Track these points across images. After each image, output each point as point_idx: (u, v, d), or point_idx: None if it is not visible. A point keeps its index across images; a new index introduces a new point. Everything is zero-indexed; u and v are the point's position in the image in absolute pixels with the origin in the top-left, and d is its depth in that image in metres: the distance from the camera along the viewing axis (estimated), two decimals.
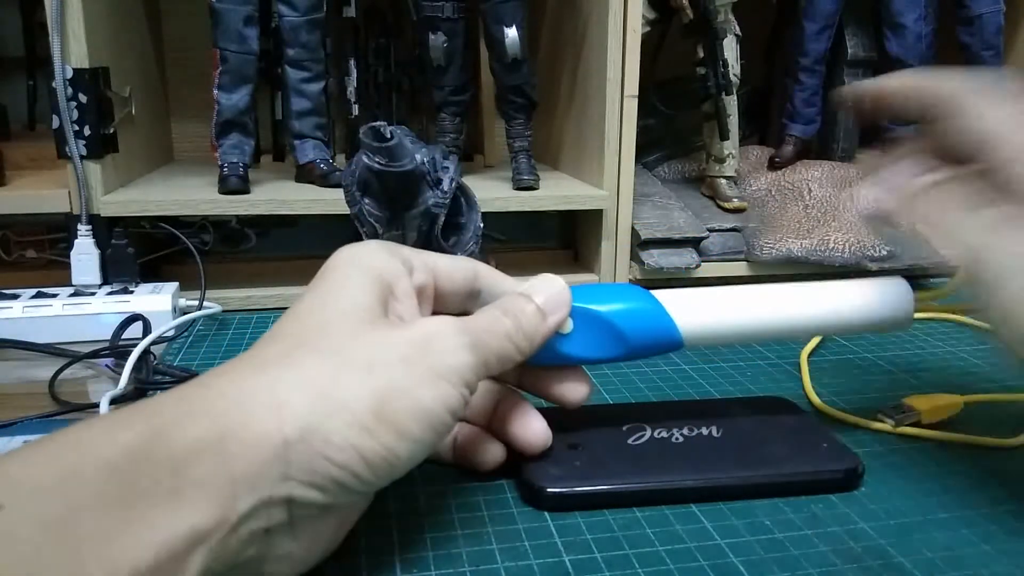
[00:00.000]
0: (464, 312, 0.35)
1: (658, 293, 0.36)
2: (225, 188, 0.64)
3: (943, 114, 0.33)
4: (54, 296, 0.56)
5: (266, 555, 0.25)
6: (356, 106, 0.80)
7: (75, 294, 0.57)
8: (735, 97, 0.77)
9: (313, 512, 0.25)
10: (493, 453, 0.35)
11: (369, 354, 0.27)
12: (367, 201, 0.44)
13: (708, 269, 0.71)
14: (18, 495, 0.21)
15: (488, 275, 0.35)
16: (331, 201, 0.64)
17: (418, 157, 0.42)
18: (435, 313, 0.34)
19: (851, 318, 0.36)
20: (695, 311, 0.36)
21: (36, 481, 0.21)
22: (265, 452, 0.24)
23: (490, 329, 0.30)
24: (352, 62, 0.80)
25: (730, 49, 0.75)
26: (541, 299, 0.32)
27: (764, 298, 0.36)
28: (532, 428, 0.35)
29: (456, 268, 0.34)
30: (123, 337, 0.52)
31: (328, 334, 0.27)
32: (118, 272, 0.61)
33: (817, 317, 0.36)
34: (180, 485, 0.22)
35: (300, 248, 0.74)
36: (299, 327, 0.28)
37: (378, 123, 0.41)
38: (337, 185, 0.66)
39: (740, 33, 0.76)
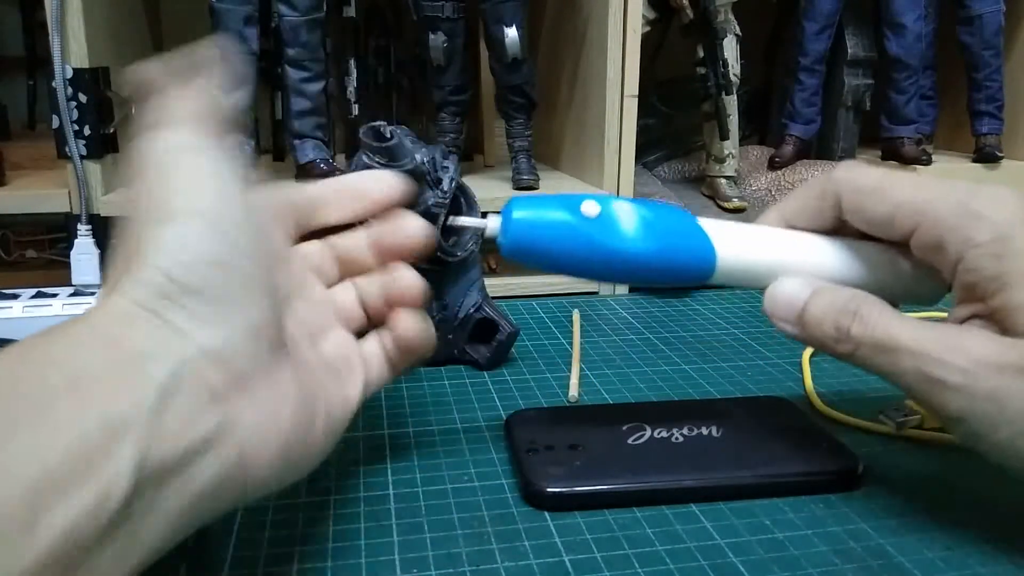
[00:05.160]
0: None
1: (699, 219, 0.34)
2: None
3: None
4: (54, 296, 0.56)
5: (224, 434, 0.23)
6: (356, 106, 0.80)
7: (75, 294, 0.57)
8: (735, 97, 0.77)
9: (246, 349, 0.24)
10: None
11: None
12: None
13: None
14: None
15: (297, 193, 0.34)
16: None
17: (418, 157, 0.42)
18: None
19: (886, 279, 0.34)
20: (734, 240, 0.34)
21: None
22: (148, 294, 0.23)
23: None
24: (352, 62, 0.80)
25: (730, 49, 0.75)
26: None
27: (802, 244, 0.35)
28: (407, 226, 0.33)
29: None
30: None
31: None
32: None
33: (852, 271, 0.34)
34: (72, 376, 0.21)
35: None
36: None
37: (378, 123, 0.41)
38: None
39: (740, 33, 0.76)
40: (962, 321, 0.31)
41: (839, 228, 0.34)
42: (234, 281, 0.25)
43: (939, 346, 0.28)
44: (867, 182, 0.32)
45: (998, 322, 0.29)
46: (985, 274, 0.29)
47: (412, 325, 0.33)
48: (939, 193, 0.30)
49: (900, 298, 0.35)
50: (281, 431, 0.25)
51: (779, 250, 0.34)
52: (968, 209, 0.29)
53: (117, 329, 0.22)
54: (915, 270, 0.34)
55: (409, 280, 0.33)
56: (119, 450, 0.20)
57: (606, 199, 0.33)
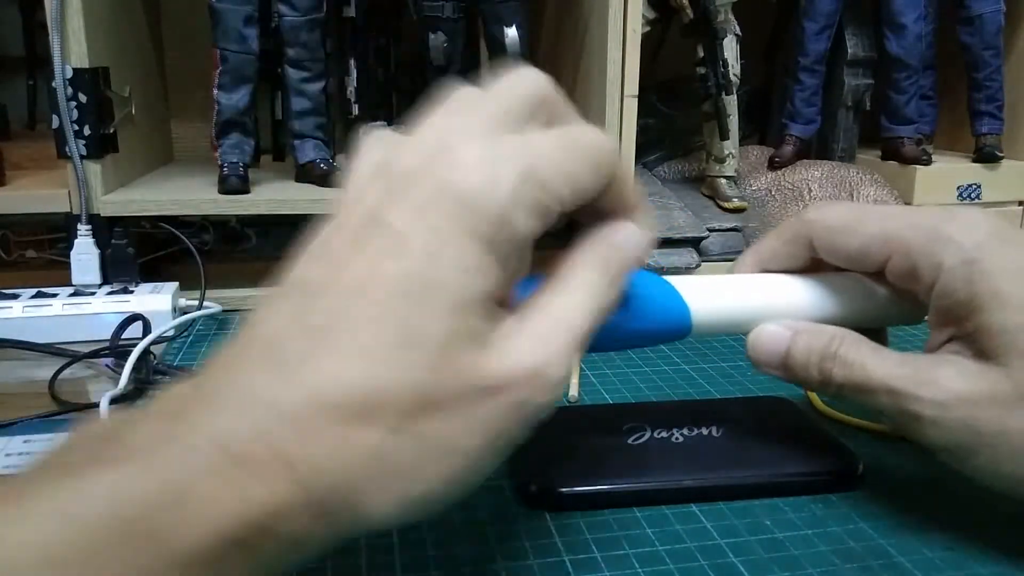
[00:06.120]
0: None
1: (669, 278, 0.35)
2: (225, 188, 0.64)
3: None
4: (54, 296, 0.56)
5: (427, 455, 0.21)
6: (356, 106, 0.80)
7: (75, 294, 0.57)
8: (735, 97, 0.77)
9: None
10: None
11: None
12: None
13: (708, 269, 0.71)
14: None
15: None
16: (331, 201, 0.64)
17: None
18: None
19: (863, 308, 0.35)
20: (706, 295, 0.34)
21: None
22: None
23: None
24: (352, 62, 0.79)
25: (730, 49, 0.75)
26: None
27: (775, 287, 0.35)
28: None
29: None
30: (123, 337, 0.52)
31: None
32: (118, 272, 0.61)
33: (827, 307, 0.35)
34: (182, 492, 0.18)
35: None
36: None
37: (378, 123, 0.42)
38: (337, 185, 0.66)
39: (740, 33, 0.76)
40: (940, 345, 0.31)
41: (814, 267, 0.35)
42: None
43: (912, 382, 0.29)
44: (837, 220, 0.33)
45: (973, 344, 0.29)
46: (957, 297, 0.29)
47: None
48: (910, 221, 0.31)
49: (883, 322, 0.36)
50: None
51: (755, 297, 0.35)
52: (939, 234, 0.30)
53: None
54: (893, 295, 0.34)
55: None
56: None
57: None
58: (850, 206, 0.34)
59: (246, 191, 0.65)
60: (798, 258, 0.35)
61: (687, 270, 0.70)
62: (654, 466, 0.35)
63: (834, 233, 0.33)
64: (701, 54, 0.75)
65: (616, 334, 0.32)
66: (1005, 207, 0.87)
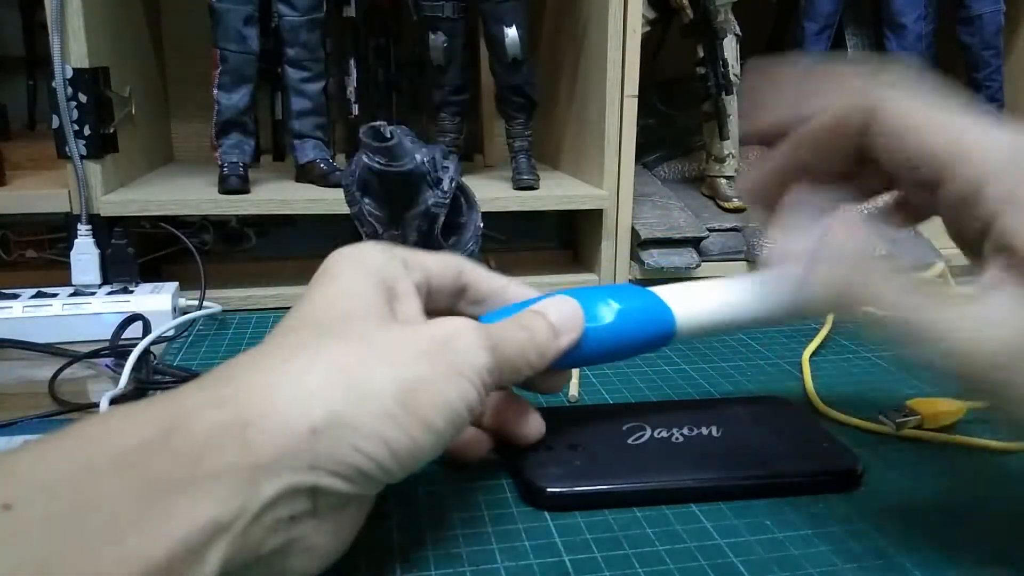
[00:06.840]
0: (451, 310, 0.35)
1: (653, 288, 0.36)
2: (225, 188, 0.64)
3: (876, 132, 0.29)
4: (54, 296, 0.56)
5: (290, 547, 0.24)
6: (356, 106, 0.80)
7: (75, 294, 0.57)
8: (735, 97, 0.77)
9: (337, 502, 0.25)
10: (482, 445, 0.35)
11: (393, 348, 0.27)
12: (367, 201, 0.44)
13: (708, 269, 0.71)
14: (28, 493, 0.20)
15: (472, 272, 0.35)
16: (331, 201, 0.64)
17: (418, 157, 0.42)
18: (427, 311, 0.34)
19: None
20: (689, 299, 0.36)
21: (47, 478, 0.21)
22: (290, 439, 0.23)
23: (507, 337, 0.31)
24: (352, 62, 0.80)
25: (730, 49, 0.75)
26: (555, 318, 0.33)
27: (755, 287, 0.36)
28: (530, 423, 0.36)
29: (445, 267, 0.34)
30: (123, 337, 0.52)
31: (350, 326, 0.28)
32: (118, 272, 0.61)
33: (773, 303, 0.36)
34: (199, 475, 0.22)
35: (300, 248, 0.74)
36: (319, 318, 0.28)
37: (378, 123, 0.42)
38: (337, 185, 0.66)
39: (740, 33, 0.76)
40: (992, 281, 0.27)
41: (855, 161, 0.32)
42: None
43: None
44: (910, 115, 0.29)
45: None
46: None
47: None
48: (986, 141, 0.27)
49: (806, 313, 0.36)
50: (337, 548, 0.27)
51: (731, 297, 0.36)
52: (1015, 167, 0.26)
53: (260, 434, 0.23)
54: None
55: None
56: (211, 554, 0.22)
57: (564, 294, 0.35)
58: (924, 103, 0.29)
59: (246, 191, 0.65)
60: (840, 161, 0.31)
61: (687, 270, 0.70)
62: (654, 466, 0.35)
63: (902, 132, 0.29)
64: (701, 54, 0.75)
65: (606, 343, 0.35)
66: None
